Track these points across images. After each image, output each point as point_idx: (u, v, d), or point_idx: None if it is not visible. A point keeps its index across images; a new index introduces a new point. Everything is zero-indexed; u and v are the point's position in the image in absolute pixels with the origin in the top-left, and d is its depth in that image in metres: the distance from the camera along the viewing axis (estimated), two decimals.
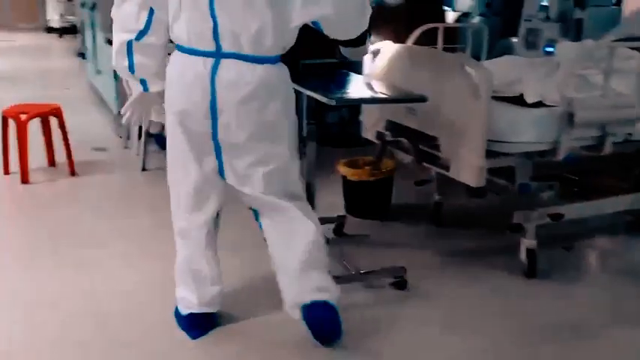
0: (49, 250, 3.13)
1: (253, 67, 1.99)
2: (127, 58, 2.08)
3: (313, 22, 2.06)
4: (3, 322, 2.48)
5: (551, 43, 4.38)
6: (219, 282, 2.39)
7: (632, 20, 3.95)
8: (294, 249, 2.21)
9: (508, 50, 5.30)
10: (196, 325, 2.36)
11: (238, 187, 2.19)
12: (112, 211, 3.64)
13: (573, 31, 4.29)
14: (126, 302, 2.65)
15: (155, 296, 2.69)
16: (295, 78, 2.99)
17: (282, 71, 2.10)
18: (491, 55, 4.07)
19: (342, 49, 2.30)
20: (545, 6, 4.33)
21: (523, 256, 2.90)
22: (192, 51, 2.00)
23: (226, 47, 1.97)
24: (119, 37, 2.06)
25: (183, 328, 2.38)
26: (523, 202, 2.92)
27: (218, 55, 1.98)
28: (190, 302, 2.35)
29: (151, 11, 2.01)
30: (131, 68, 2.11)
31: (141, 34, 2.03)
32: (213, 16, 1.93)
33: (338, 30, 2.10)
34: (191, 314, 2.36)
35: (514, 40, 5.27)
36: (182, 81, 2.03)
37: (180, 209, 2.31)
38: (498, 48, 5.11)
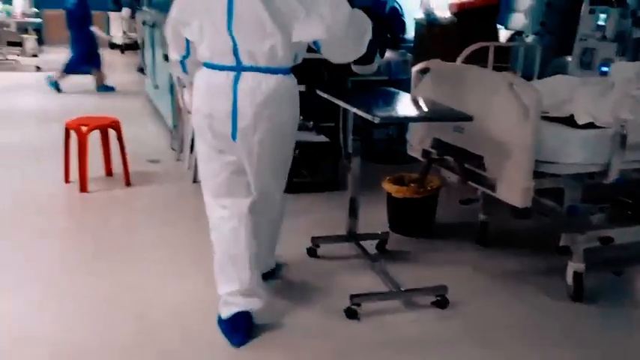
0: (102, 255, 3.27)
1: (268, 77, 2.34)
2: (180, 67, 2.63)
3: (314, 43, 2.38)
4: (58, 324, 2.61)
5: (607, 62, 4.28)
6: (256, 267, 2.56)
7: None
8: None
9: (562, 69, 5.20)
10: (238, 327, 2.49)
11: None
12: (163, 220, 3.77)
13: (631, 51, 4.17)
14: (172, 310, 2.73)
15: (201, 304, 2.77)
16: (342, 95, 3.07)
17: (292, 81, 2.46)
18: (544, 74, 4.02)
19: (352, 66, 2.66)
20: (602, 25, 4.23)
21: (570, 279, 2.84)
22: (217, 66, 2.37)
23: (245, 62, 2.33)
24: (173, 56, 2.62)
25: (226, 334, 2.50)
26: (572, 223, 2.85)
27: (239, 68, 2.34)
28: (233, 298, 2.50)
29: (187, 41, 2.48)
30: (184, 72, 2.64)
31: (184, 58, 2.56)
32: (232, 38, 2.30)
33: (334, 53, 2.44)
34: (234, 315, 2.49)
35: (568, 59, 5.17)
36: (209, 90, 2.40)
37: (212, 200, 2.60)
38: (552, 67, 5.02)
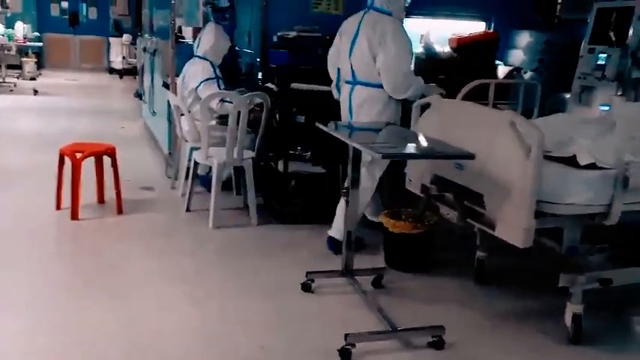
0: (91, 286, 3.18)
1: (368, 89, 3.60)
2: (337, 91, 3.85)
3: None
4: (44, 355, 2.51)
5: (606, 102, 4.28)
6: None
7: None
8: None
9: (560, 105, 5.21)
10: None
11: None
12: (154, 251, 3.70)
13: (630, 90, 4.18)
14: (161, 343, 2.64)
15: (195, 338, 2.68)
16: (336, 126, 3.04)
17: (382, 91, 3.57)
18: (542, 110, 4.01)
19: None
20: (601, 64, 4.25)
21: (568, 320, 2.77)
22: (345, 81, 3.72)
23: (357, 78, 3.63)
24: (333, 82, 3.90)
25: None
26: (571, 264, 2.80)
27: (354, 82, 3.65)
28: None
29: (338, 70, 3.80)
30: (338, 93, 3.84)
31: (337, 82, 3.84)
32: (351, 64, 3.64)
33: (390, 92, 3.57)
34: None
35: (567, 95, 5.18)
36: (343, 97, 3.77)
37: None
38: (550, 103, 5.03)
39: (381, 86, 3.54)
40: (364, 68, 3.57)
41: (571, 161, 2.55)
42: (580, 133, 2.82)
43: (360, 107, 3.61)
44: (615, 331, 2.96)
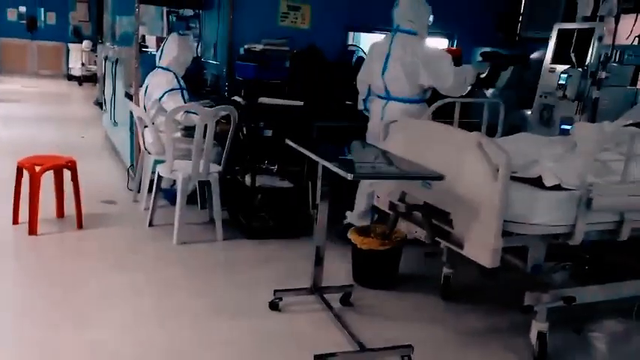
0: (49, 304, 3.07)
1: (403, 104, 3.99)
2: (363, 104, 4.32)
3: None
4: None
5: (567, 120, 4.40)
6: None
7: None
8: None
9: (521, 122, 5.33)
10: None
11: None
12: (115, 267, 3.59)
13: (589, 109, 4.30)
14: None
15: (159, 357, 2.61)
16: (311, 146, 3.04)
17: (416, 106, 4.01)
18: (504, 126, 4.10)
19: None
20: (562, 84, 4.37)
21: (534, 338, 2.81)
22: (377, 96, 4.13)
23: (391, 94, 4.03)
24: (360, 96, 4.34)
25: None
26: (535, 280, 2.85)
27: (387, 98, 4.05)
28: None
29: (369, 86, 4.22)
30: (366, 110, 4.30)
31: (367, 97, 4.27)
32: (384, 82, 4.04)
33: (456, 94, 3.96)
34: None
35: (528, 112, 5.30)
36: (375, 109, 4.14)
37: None
38: (511, 120, 5.13)
39: (412, 101, 4.00)
40: (397, 86, 3.99)
41: (536, 182, 2.60)
42: (544, 154, 2.88)
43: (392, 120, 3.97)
44: (578, 349, 3.02)
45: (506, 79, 5.41)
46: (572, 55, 4.48)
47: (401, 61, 3.94)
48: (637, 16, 5.16)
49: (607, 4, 4.16)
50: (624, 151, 2.70)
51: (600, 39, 4.27)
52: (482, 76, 4.16)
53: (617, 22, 4.28)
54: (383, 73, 4.03)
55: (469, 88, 4.01)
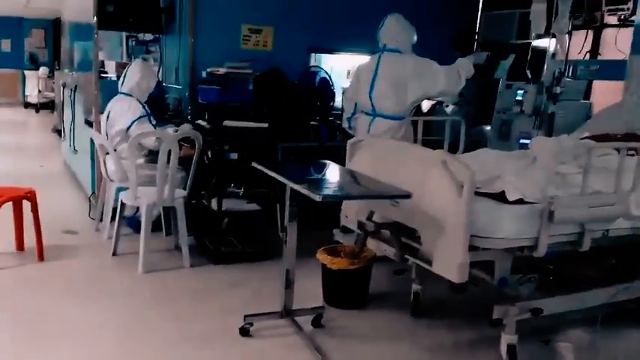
0: (9, 342, 2.95)
1: (389, 121, 4.12)
2: (348, 122, 4.45)
3: None
4: None
5: (526, 135, 4.52)
6: None
7: (601, 117, 4.12)
8: None
9: (481, 138, 5.45)
10: None
11: None
12: (79, 300, 3.48)
13: (546, 124, 4.44)
14: None
15: None
16: (278, 168, 3.04)
17: (400, 122, 4.13)
18: (465, 142, 4.20)
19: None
20: (519, 100, 4.50)
21: (504, 350, 2.83)
22: (365, 113, 4.24)
23: (377, 111, 4.16)
24: (345, 114, 4.48)
25: None
26: (502, 293, 2.89)
27: (374, 115, 4.18)
28: None
29: (355, 104, 4.35)
30: (350, 128, 4.43)
31: (352, 115, 4.40)
32: (371, 99, 4.17)
33: (454, 94, 4.43)
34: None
35: (487, 128, 5.43)
36: (362, 125, 4.26)
37: None
38: (471, 135, 5.25)
39: (398, 118, 4.15)
40: (384, 103, 4.14)
41: (500, 197, 2.65)
42: (505, 168, 2.94)
43: (379, 136, 4.13)
44: (547, 359, 3.06)
45: (508, 69, 5.41)
46: (528, 71, 4.63)
47: (389, 78, 4.09)
48: (587, 32, 5.37)
49: (559, 22, 4.31)
50: (582, 164, 2.78)
51: (554, 55, 4.42)
52: (483, 66, 4.26)
53: (569, 38, 4.44)
54: (370, 91, 4.17)
55: (464, 84, 4.07)
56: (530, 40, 4.90)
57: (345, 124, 4.48)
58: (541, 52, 4.62)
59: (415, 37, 4.21)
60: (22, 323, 3.17)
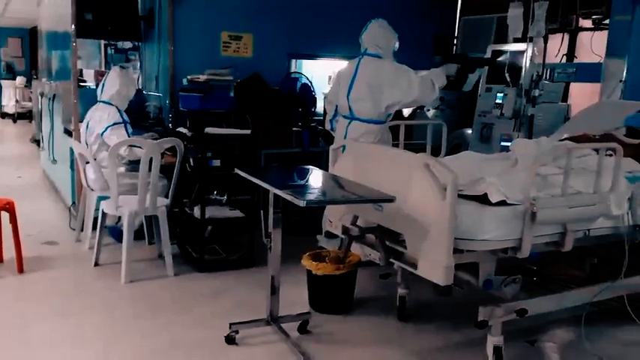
0: None
1: (365, 125, 4.18)
2: (330, 124, 4.52)
3: None
4: None
5: (507, 137, 4.57)
6: None
7: (579, 118, 4.18)
8: None
9: (463, 141, 5.51)
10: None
11: None
12: (61, 312, 3.42)
13: (526, 126, 4.50)
14: None
15: None
16: (261, 174, 3.02)
17: (377, 126, 4.18)
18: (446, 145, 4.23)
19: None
20: (499, 103, 4.55)
21: (490, 353, 2.84)
22: (343, 116, 4.32)
23: (354, 114, 4.22)
24: (328, 116, 4.54)
25: None
26: (487, 295, 2.90)
27: (351, 118, 4.24)
28: None
29: (336, 106, 4.40)
30: (332, 130, 4.48)
31: (333, 117, 4.48)
32: (349, 103, 4.24)
33: (428, 103, 4.71)
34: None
35: (468, 131, 5.48)
36: (340, 128, 4.33)
37: None
38: (452, 138, 5.30)
39: (375, 122, 4.18)
40: (361, 106, 4.18)
41: (483, 199, 2.67)
42: (487, 171, 2.96)
43: (356, 139, 4.15)
44: (533, 359, 3.08)
45: (473, 83, 5.53)
46: (507, 74, 4.69)
47: (366, 82, 4.14)
48: (563, 35, 5.47)
49: (535, 26, 4.37)
50: (562, 165, 2.81)
51: (531, 58, 4.48)
52: (452, 78, 4.32)
53: (545, 42, 4.51)
54: (348, 94, 4.24)
55: (437, 94, 4.18)
56: (507, 44, 4.97)
57: (328, 126, 4.57)
58: (519, 55, 4.68)
59: (397, 44, 4.25)
60: (4, 336, 3.10)
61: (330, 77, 5.56)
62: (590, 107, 4.20)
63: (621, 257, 2.96)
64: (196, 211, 4.17)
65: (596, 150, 2.90)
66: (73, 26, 4.75)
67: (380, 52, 4.20)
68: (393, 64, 4.19)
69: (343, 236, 3.15)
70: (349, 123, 4.25)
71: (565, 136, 3.57)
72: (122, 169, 4.36)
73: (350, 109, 4.24)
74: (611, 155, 2.97)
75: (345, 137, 4.21)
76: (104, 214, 4.12)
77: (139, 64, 5.97)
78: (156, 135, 4.55)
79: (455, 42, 6.47)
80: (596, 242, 3.11)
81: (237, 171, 3.07)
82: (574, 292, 3.19)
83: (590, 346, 3.08)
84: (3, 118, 14.17)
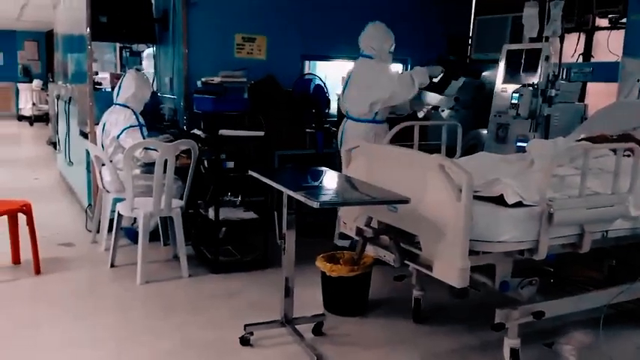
0: (5, 356, 2.92)
1: (357, 123, 4.32)
2: None
3: None
4: None
5: (523, 138, 4.52)
6: None
7: (596, 118, 4.13)
8: None
9: (478, 141, 5.46)
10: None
11: None
12: (76, 313, 3.45)
13: (542, 126, 4.45)
14: None
15: None
16: (275, 175, 3.02)
17: (373, 124, 4.32)
18: (462, 145, 4.19)
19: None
20: (515, 103, 4.50)
21: (507, 355, 2.82)
22: (345, 115, 4.51)
23: (349, 114, 4.42)
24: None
25: None
26: (504, 297, 2.88)
27: (347, 117, 4.42)
28: None
29: None
30: None
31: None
32: (345, 102, 4.40)
33: (405, 99, 4.35)
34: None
35: (483, 131, 5.43)
36: (341, 127, 4.50)
37: None
38: (468, 139, 5.25)
39: (369, 121, 4.31)
40: (353, 105, 4.37)
41: (499, 200, 2.64)
42: (503, 172, 2.93)
43: (351, 138, 4.16)
44: None
45: (457, 89, 5.58)
46: (523, 74, 4.64)
47: (358, 82, 4.35)
48: (579, 35, 5.41)
49: (551, 25, 4.32)
50: (579, 166, 2.78)
51: (547, 58, 4.43)
52: (436, 80, 4.53)
53: (561, 41, 4.46)
54: (344, 95, 4.49)
55: (417, 91, 4.25)
56: (523, 44, 4.92)
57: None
58: (534, 55, 4.62)
59: (392, 45, 4.36)
60: (20, 337, 3.13)
61: (343, 78, 5.56)
62: (608, 107, 4.15)
63: None
64: (211, 213, 4.19)
65: (614, 150, 2.86)
66: (88, 29, 4.79)
67: (373, 53, 4.33)
68: (379, 64, 4.32)
69: (357, 238, 3.14)
70: (345, 122, 4.46)
71: (582, 136, 3.52)
72: (137, 171, 4.39)
73: (347, 111, 4.46)
74: (629, 156, 2.93)
75: (342, 136, 4.44)
76: (120, 216, 4.15)
77: (153, 66, 6.00)
78: (171, 137, 4.57)
79: (470, 42, 6.42)
80: (615, 244, 3.06)
81: (251, 172, 3.07)
82: (592, 294, 3.15)
83: (607, 349, 3.03)
84: (20, 120, 14.35)
